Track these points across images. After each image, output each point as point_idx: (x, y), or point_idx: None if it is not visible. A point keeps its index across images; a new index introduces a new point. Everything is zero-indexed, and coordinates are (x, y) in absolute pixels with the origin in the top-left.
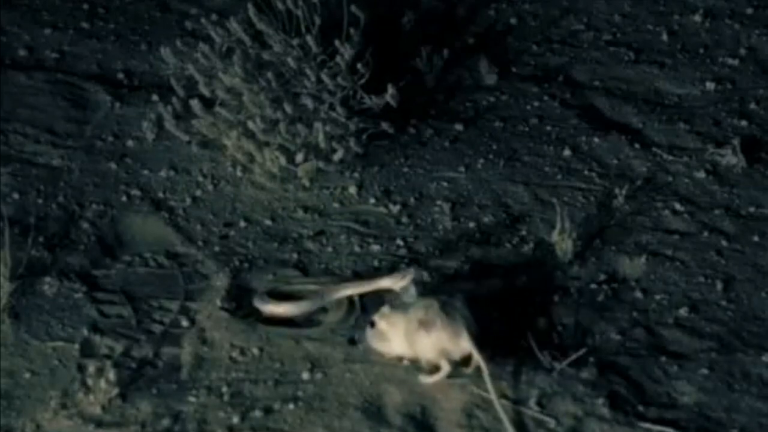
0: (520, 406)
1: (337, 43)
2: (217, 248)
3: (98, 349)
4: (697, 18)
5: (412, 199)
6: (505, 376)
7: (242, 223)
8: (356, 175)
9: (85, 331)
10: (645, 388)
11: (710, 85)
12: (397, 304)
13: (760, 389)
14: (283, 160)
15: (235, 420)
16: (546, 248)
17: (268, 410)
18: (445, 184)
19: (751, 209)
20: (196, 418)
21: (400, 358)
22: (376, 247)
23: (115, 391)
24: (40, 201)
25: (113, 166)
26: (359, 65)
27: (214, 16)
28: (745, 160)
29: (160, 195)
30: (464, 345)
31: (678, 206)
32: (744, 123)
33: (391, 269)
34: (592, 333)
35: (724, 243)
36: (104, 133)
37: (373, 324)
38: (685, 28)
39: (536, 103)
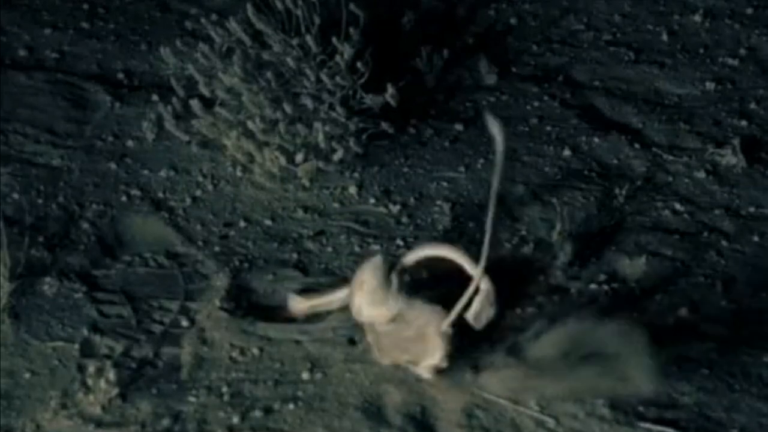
0: (520, 406)
1: (336, 42)
2: (217, 248)
3: (98, 349)
4: (697, 18)
5: (412, 199)
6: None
7: (242, 223)
8: (356, 175)
9: (85, 331)
10: (645, 388)
11: (710, 85)
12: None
13: (760, 389)
14: (282, 160)
15: (235, 420)
16: (546, 248)
17: (268, 410)
18: (445, 184)
19: (751, 209)
20: (196, 418)
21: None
22: (376, 247)
23: (115, 391)
24: (40, 201)
25: (113, 166)
26: (359, 65)
27: (213, 16)
28: (745, 160)
29: (160, 195)
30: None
31: (678, 206)
32: (744, 123)
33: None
34: None
35: (724, 243)
36: (104, 133)
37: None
38: (685, 28)
39: (536, 103)
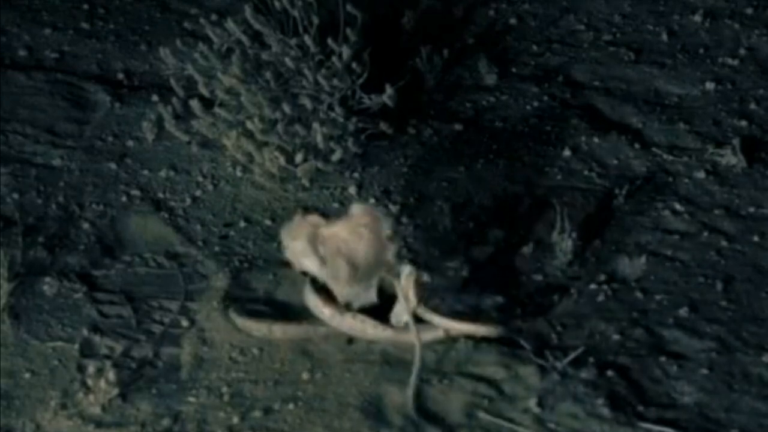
0: (520, 406)
1: (333, 45)
2: (217, 248)
3: (98, 349)
4: (697, 18)
5: (412, 199)
6: (505, 376)
7: (242, 223)
8: (356, 175)
9: (85, 331)
10: (645, 388)
11: (710, 85)
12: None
13: (760, 389)
14: (282, 161)
15: (235, 420)
16: (546, 248)
17: (268, 410)
18: (445, 184)
19: (751, 209)
20: (196, 418)
21: None
22: None
23: (115, 391)
24: (39, 201)
25: (113, 166)
26: (354, 66)
27: (213, 17)
28: (745, 160)
29: (160, 195)
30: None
31: (678, 206)
32: (744, 123)
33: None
34: (592, 333)
35: (724, 243)
36: (104, 133)
37: None
38: (685, 28)
39: (536, 103)
